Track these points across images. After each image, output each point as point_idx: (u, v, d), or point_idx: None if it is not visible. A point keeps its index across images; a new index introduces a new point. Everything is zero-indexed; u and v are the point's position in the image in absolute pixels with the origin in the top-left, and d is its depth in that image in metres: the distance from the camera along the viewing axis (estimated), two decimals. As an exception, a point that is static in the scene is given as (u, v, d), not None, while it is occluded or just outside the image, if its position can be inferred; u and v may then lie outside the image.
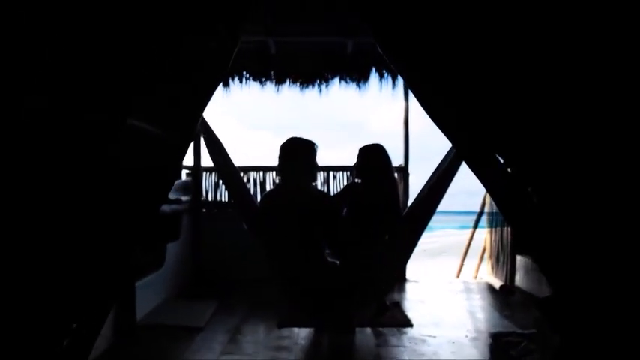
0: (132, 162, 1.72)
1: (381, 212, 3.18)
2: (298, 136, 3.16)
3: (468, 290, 5.04)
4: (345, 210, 3.29)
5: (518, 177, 1.88)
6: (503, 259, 4.80)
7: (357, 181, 3.47)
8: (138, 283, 3.66)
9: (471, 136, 1.94)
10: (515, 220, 2.01)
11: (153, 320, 3.64)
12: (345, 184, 5.35)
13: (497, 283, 4.88)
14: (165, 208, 4.33)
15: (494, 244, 5.19)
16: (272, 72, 5.70)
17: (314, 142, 3.14)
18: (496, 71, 1.91)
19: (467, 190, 6.11)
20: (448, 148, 3.20)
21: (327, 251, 3.20)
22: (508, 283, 4.61)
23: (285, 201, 3.05)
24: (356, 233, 3.21)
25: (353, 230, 3.23)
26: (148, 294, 3.86)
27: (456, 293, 4.90)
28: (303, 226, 3.03)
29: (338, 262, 3.18)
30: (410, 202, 3.60)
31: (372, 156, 3.30)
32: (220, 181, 5.41)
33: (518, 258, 4.69)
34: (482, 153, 1.94)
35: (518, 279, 4.68)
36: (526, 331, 3.05)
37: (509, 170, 1.93)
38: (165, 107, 1.88)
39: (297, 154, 3.09)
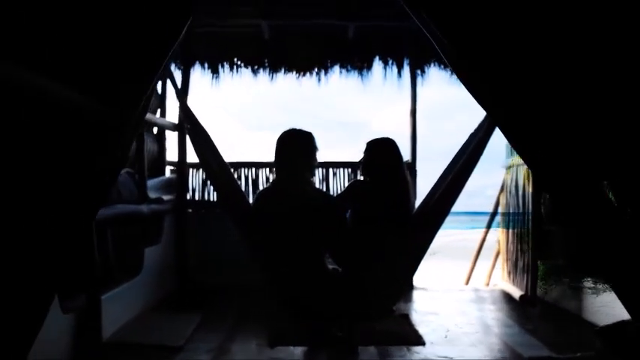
0: (48, 143, 1.22)
1: (389, 213, 2.68)
2: (297, 128, 2.69)
3: (482, 299, 4.55)
4: (349, 211, 2.78)
5: (590, 168, 1.40)
6: (523, 265, 4.31)
7: (361, 178, 2.96)
8: (108, 294, 3.17)
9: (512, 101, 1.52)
10: (576, 219, 1.52)
11: (123, 338, 3.14)
12: (347, 181, 4.87)
13: (516, 293, 4.38)
14: (143, 208, 3.84)
15: (511, 248, 4.69)
16: (266, 59, 5.20)
17: (312, 134, 2.68)
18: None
19: (466, 189, 5.58)
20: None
21: (327, 257, 2.72)
22: (529, 293, 4.12)
23: (282, 201, 2.60)
24: (361, 237, 2.72)
25: (357, 233, 2.74)
26: (120, 307, 3.36)
27: (469, 303, 4.41)
28: (301, 229, 2.57)
29: (340, 268, 2.71)
30: (418, 202, 3.16)
31: (381, 151, 2.82)
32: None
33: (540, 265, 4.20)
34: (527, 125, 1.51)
35: (542, 289, 4.18)
36: (563, 356, 2.55)
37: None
38: (101, 77, 1.37)
39: (296, 147, 2.66)
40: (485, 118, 2.76)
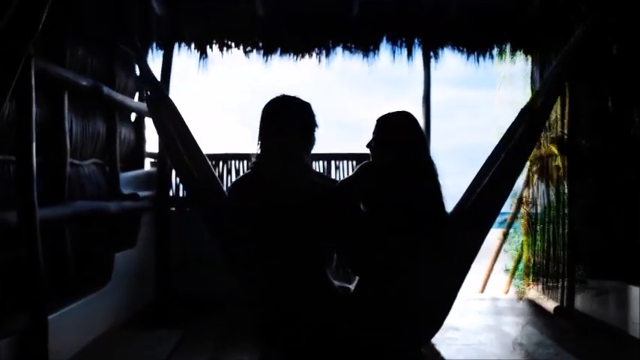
0: None
1: (415, 206, 2.01)
2: (291, 94, 1.98)
3: (507, 311, 3.97)
4: (361, 205, 2.10)
5: None
6: (557, 272, 3.73)
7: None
8: (62, 311, 2.59)
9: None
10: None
11: (80, 365, 2.56)
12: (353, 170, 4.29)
13: (547, 303, 3.81)
14: (111, 205, 3.25)
15: (539, 251, 4.12)
16: (260, 40, 4.61)
17: (311, 105, 1.99)
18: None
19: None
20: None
21: (332, 269, 2.08)
22: (565, 304, 3.55)
23: (270, 191, 1.91)
24: (378, 240, 2.02)
25: (376, 236, 2.02)
26: (80, 325, 2.78)
27: (493, 315, 3.84)
28: (296, 230, 1.89)
29: (351, 286, 2.05)
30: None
31: (397, 126, 2.13)
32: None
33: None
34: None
35: (579, 300, 3.60)
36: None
37: None
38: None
39: (291, 119, 1.94)
40: (545, 83, 2.25)
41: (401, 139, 2.08)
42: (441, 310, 2.04)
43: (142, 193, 3.76)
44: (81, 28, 3.10)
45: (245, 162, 4.42)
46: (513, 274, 4.94)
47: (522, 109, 2.22)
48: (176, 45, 4.52)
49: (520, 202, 4.69)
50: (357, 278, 2.02)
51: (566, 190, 3.60)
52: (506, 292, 5.04)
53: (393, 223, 2.00)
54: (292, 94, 1.98)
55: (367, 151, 2.12)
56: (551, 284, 3.84)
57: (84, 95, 3.07)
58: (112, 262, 3.23)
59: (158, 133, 2.27)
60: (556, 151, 3.63)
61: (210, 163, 2.43)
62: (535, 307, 4.00)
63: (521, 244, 4.72)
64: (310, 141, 2.00)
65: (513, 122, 2.27)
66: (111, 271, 3.20)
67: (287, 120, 1.94)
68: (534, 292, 4.20)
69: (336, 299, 1.95)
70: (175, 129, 2.28)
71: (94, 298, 2.98)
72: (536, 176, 4.19)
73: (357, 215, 2.00)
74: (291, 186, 1.88)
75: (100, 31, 3.32)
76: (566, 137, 3.57)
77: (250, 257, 1.93)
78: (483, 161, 2.28)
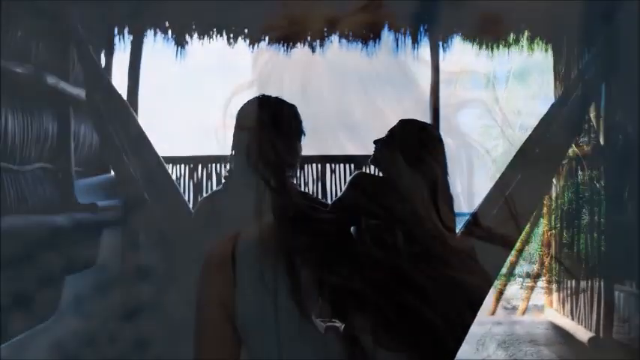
0: None
1: (430, 230, 1.54)
2: (272, 95, 1.66)
3: (528, 338, 3.44)
4: (356, 227, 1.63)
5: None
6: (590, 293, 3.21)
7: (376, 173, 1.79)
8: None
9: None
10: None
11: None
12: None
13: (578, 330, 3.29)
14: (59, 219, 2.70)
15: (567, 262, 3.60)
16: (245, 25, 4.09)
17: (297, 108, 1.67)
18: None
19: (470, 189, 4.56)
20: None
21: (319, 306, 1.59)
22: (602, 332, 3.01)
23: (239, 214, 1.50)
24: (378, 268, 1.54)
25: (372, 262, 1.56)
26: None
27: (515, 345, 3.30)
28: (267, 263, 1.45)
29: (341, 325, 1.59)
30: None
31: (420, 134, 1.70)
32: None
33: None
34: None
35: (617, 326, 3.07)
36: None
37: None
38: None
39: (272, 124, 1.58)
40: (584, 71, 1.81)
41: (417, 143, 1.62)
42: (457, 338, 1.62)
43: (106, 203, 3.22)
44: (19, 4, 2.56)
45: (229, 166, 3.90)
46: (532, 291, 4.41)
47: (553, 104, 1.81)
48: (151, 32, 4.02)
49: (541, 207, 4.16)
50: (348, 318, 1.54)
51: (602, 193, 3.08)
52: (523, 312, 4.50)
53: (394, 248, 1.53)
54: (273, 95, 1.62)
55: (367, 152, 1.76)
56: (582, 306, 3.31)
57: (22, 86, 2.54)
58: (60, 288, 2.69)
59: (95, 129, 1.83)
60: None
61: (166, 167, 2.00)
62: (563, 335, 3.46)
63: (541, 256, 4.20)
64: (294, 152, 1.58)
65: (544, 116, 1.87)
66: (58, 298, 2.66)
67: (270, 125, 1.52)
68: (560, 315, 3.66)
69: (323, 341, 1.48)
70: (121, 126, 1.87)
71: (33, 335, 2.45)
72: (563, 177, 3.66)
73: (349, 246, 1.54)
74: (265, 208, 1.42)
75: (47, 11, 2.78)
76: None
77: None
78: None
